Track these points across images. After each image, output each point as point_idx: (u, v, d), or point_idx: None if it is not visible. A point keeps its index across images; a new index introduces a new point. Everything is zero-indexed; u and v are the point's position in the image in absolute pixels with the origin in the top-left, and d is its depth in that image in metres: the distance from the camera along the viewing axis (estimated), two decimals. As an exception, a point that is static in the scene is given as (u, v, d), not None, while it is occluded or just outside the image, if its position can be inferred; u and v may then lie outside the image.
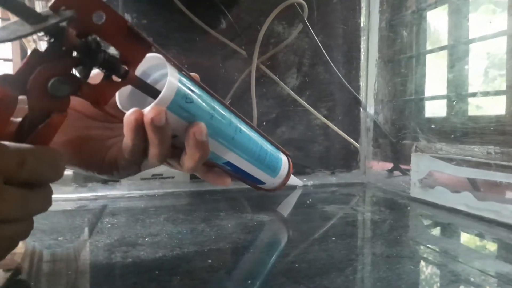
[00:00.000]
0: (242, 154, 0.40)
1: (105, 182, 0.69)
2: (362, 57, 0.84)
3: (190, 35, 0.77)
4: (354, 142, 0.85)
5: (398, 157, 0.76)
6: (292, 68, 0.82)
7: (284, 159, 0.47)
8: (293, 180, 0.58)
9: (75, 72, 0.28)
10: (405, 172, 0.74)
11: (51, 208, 0.49)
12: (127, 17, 0.74)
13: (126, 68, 0.30)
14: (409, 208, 0.58)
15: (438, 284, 0.32)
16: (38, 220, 0.51)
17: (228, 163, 0.40)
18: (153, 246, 0.38)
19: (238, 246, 0.39)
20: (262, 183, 0.46)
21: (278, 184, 0.48)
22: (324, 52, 0.79)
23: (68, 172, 0.67)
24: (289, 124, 0.83)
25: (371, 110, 0.80)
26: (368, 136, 0.81)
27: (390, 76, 0.77)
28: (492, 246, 0.42)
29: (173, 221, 0.48)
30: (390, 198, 0.65)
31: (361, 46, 0.84)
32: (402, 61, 0.75)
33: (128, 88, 0.33)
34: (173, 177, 0.71)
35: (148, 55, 0.32)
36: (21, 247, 0.42)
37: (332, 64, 0.80)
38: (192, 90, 0.33)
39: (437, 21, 0.72)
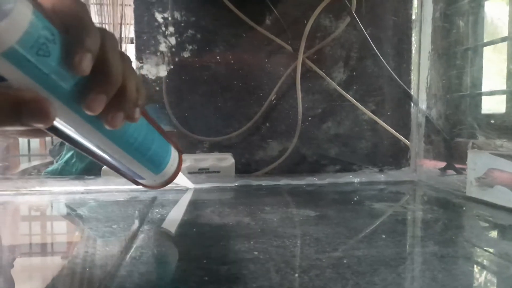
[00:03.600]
0: (117, 140, 0.32)
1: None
2: (413, 50, 0.80)
3: (237, 31, 0.78)
4: (404, 139, 0.81)
5: (452, 154, 0.72)
6: (339, 62, 0.80)
7: (174, 155, 0.40)
8: (183, 180, 0.49)
9: None
10: (460, 171, 0.70)
11: (105, 199, 0.52)
12: (177, 14, 0.76)
13: None
14: (464, 208, 0.55)
15: (499, 288, 0.30)
16: (94, 209, 0.54)
17: (98, 147, 0.32)
18: (200, 237, 0.39)
19: (284, 240, 0.39)
20: (141, 177, 0.39)
21: (160, 183, 0.41)
22: (372, 45, 0.77)
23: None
24: (335, 119, 0.81)
25: (423, 105, 0.77)
26: (419, 133, 0.78)
27: (444, 69, 0.73)
28: (561, 251, 0.39)
29: (219, 213, 0.49)
30: (443, 197, 0.61)
31: (413, 38, 0.80)
32: (457, 53, 0.71)
33: None
34: (218, 172, 0.72)
35: None
36: (78, 235, 0.44)
37: (381, 57, 0.78)
38: (50, 40, 0.23)
39: (496, 10, 0.67)
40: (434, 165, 0.76)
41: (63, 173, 0.77)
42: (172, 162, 0.40)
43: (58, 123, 0.29)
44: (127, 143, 0.32)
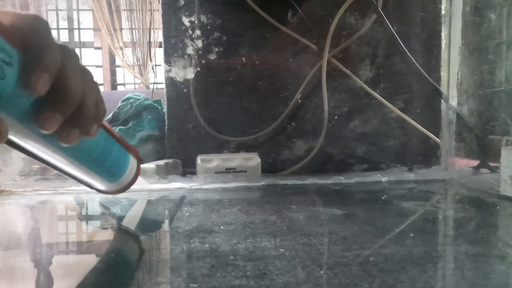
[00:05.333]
0: (73, 153, 0.31)
1: (183, 175, 0.74)
2: (443, 45, 0.78)
3: (262, 32, 0.78)
4: (434, 137, 0.79)
5: (486, 152, 0.70)
6: (365, 60, 0.80)
7: (132, 164, 0.39)
8: (140, 183, 0.48)
9: None
10: (494, 169, 0.67)
11: (137, 197, 0.53)
12: (203, 18, 0.78)
13: None
14: (498, 207, 0.53)
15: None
16: (126, 208, 0.56)
17: (55, 159, 0.32)
18: (227, 234, 0.40)
19: (311, 237, 0.39)
20: (97, 185, 0.39)
21: (116, 189, 0.41)
22: (399, 41, 0.76)
23: (151, 165, 0.72)
24: (362, 118, 0.80)
25: (453, 101, 0.75)
26: (450, 130, 0.76)
27: (476, 65, 0.71)
28: None
29: (246, 212, 0.50)
30: (476, 196, 0.60)
31: (442, 33, 0.78)
32: (490, 48, 0.68)
33: None
34: (245, 171, 0.73)
35: None
36: (110, 234, 0.46)
37: (408, 54, 0.76)
38: (7, 62, 0.22)
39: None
40: (466, 164, 0.73)
41: (97, 173, 0.80)
42: (130, 171, 0.39)
43: (14, 137, 0.28)
44: (83, 157, 0.32)
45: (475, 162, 0.71)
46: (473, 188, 0.65)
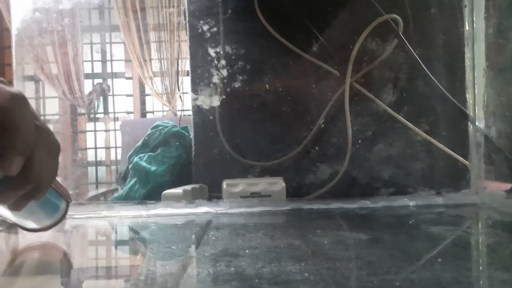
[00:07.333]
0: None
1: (210, 199, 0.75)
2: (467, 68, 0.78)
3: (285, 59, 0.81)
4: (462, 159, 0.78)
5: (518, 175, 0.67)
6: (387, 84, 0.80)
7: (62, 207, 0.40)
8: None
9: None
10: (528, 192, 0.65)
11: (165, 222, 0.55)
12: (228, 48, 0.81)
13: None
14: (533, 232, 0.51)
15: None
16: (155, 232, 0.58)
17: None
18: (253, 258, 0.41)
19: (336, 262, 0.39)
20: (26, 226, 0.40)
21: (42, 229, 0.41)
22: (422, 64, 0.76)
23: (178, 190, 0.74)
24: (386, 141, 0.80)
25: (481, 123, 0.73)
26: (479, 153, 0.74)
27: (502, 86, 0.70)
28: None
29: (271, 236, 0.50)
30: (509, 221, 0.58)
31: (466, 56, 0.78)
32: (516, 68, 0.68)
33: None
34: (270, 196, 0.74)
35: None
36: (139, 258, 0.48)
37: (432, 77, 0.76)
38: None
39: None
40: (497, 187, 0.71)
41: (127, 198, 0.83)
42: (58, 215, 0.41)
43: None
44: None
45: (507, 186, 0.69)
46: (506, 212, 0.63)
